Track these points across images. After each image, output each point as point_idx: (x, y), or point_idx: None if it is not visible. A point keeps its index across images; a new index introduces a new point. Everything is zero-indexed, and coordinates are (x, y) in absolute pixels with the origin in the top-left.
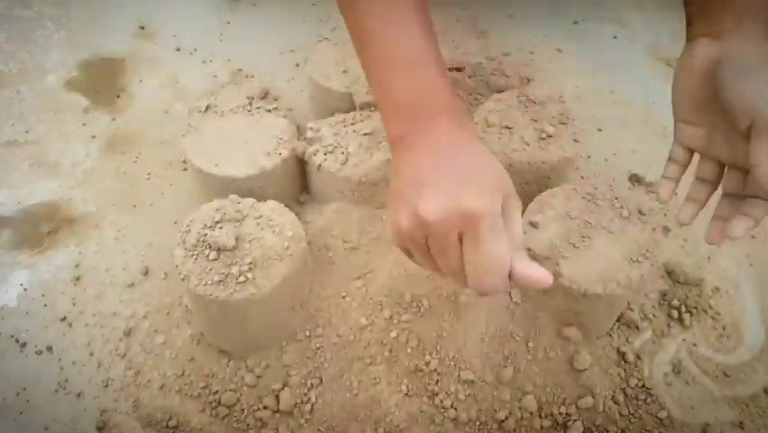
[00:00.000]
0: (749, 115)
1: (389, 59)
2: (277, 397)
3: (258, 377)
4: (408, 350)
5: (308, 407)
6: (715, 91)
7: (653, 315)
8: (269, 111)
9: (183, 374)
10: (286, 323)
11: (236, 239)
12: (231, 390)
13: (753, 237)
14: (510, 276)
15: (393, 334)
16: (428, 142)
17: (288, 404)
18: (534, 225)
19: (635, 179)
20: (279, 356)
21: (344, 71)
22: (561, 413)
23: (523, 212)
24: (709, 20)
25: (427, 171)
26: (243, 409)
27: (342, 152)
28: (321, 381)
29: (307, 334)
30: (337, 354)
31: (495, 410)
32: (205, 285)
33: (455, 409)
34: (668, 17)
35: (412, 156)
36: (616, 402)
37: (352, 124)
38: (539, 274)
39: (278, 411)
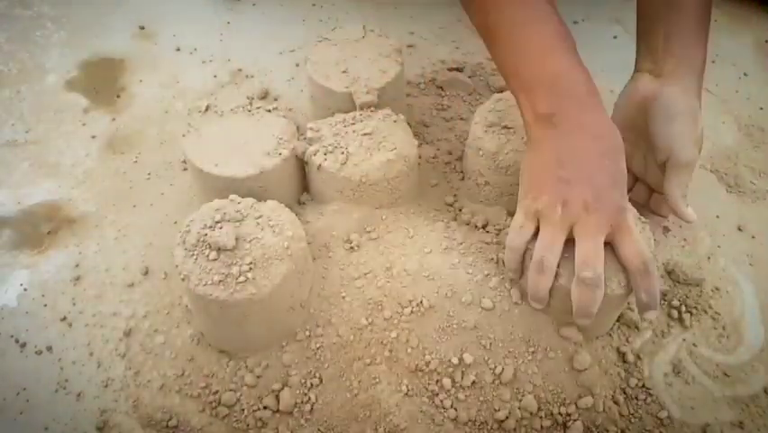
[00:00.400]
0: (666, 152)
1: (530, 44)
2: (277, 397)
3: (258, 377)
4: (408, 350)
5: (308, 407)
6: (645, 121)
7: None
8: (269, 111)
9: (183, 374)
10: (286, 323)
11: (236, 239)
12: (231, 390)
13: (753, 237)
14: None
15: (393, 334)
16: (585, 123)
17: (287, 404)
18: None
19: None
20: (279, 356)
21: (344, 71)
22: (561, 413)
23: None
24: (654, 59)
25: (589, 161)
26: (243, 409)
27: (342, 152)
28: (321, 381)
29: (307, 334)
30: (337, 354)
31: (495, 410)
32: (205, 285)
33: (455, 409)
34: None
35: (567, 137)
36: (616, 402)
37: (352, 124)
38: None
39: (277, 411)
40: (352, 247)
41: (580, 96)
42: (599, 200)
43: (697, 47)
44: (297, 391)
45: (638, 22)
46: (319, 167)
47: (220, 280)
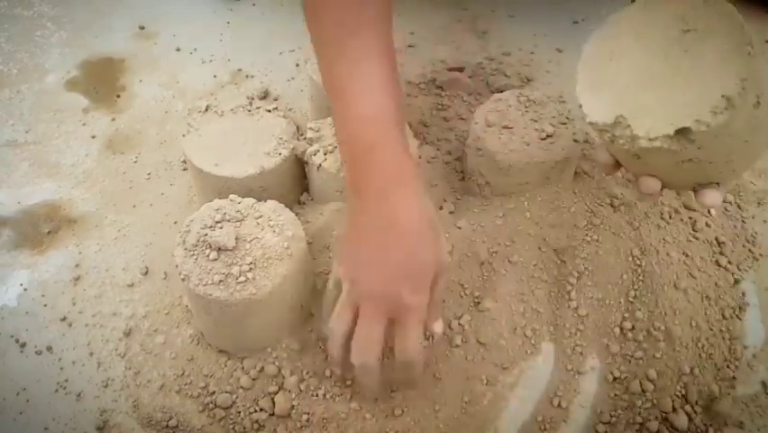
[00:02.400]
0: None
1: (351, 112)
2: (273, 399)
3: (256, 378)
4: None
5: (307, 409)
6: None
7: None
8: (269, 111)
9: (183, 374)
10: (286, 323)
11: (236, 239)
12: (229, 391)
13: (753, 236)
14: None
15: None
16: (387, 208)
17: (285, 406)
18: None
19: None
20: (279, 357)
21: None
22: None
23: None
24: None
25: (384, 249)
26: (240, 412)
27: None
28: (321, 382)
29: (308, 334)
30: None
31: None
32: (205, 285)
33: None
34: None
35: (370, 217)
36: None
37: None
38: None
39: (274, 414)
40: None
41: (388, 176)
42: (384, 292)
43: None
44: (296, 394)
45: None
46: (319, 167)
47: (220, 280)
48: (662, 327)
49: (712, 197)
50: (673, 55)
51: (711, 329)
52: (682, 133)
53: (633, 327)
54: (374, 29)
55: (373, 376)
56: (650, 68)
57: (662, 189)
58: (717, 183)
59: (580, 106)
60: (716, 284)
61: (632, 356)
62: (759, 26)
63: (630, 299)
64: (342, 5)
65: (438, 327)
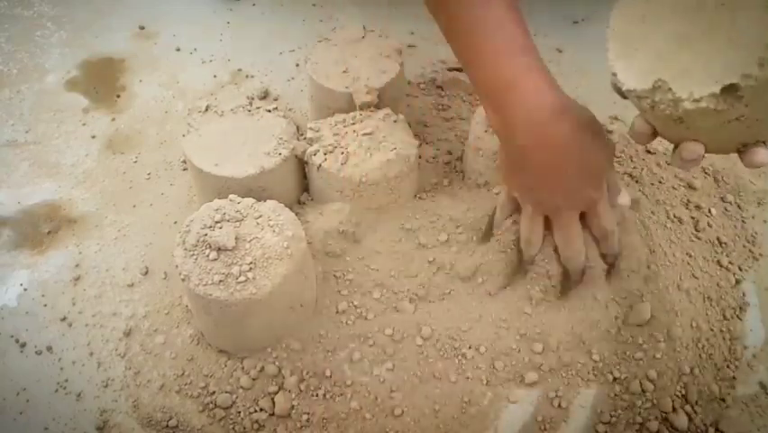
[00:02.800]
0: None
1: (485, 50)
2: (273, 399)
3: (256, 378)
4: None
5: (307, 409)
6: None
7: None
8: (269, 111)
9: (183, 374)
10: (286, 323)
11: (236, 239)
12: (229, 391)
13: (753, 236)
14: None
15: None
16: (539, 134)
17: (285, 406)
18: None
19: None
20: (279, 357)
21: (344, 71)
22: None
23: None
24: None
25: (552, 169)
26: (240, 412)
27: (342, 152)
28: (321, 382)
29: (308, 334)
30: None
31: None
32: (205, 285)
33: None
34: None
35: (524, 147)
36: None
37: (352, 124)
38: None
39: (274, 414)
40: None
41: (535, 109)
42: (568, 199)
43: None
44: (296, 394)
45: None
46: (319, 167)
47: (220, 280)
48: (664, 328)
49: (761, 155)
50: (709, 10)
51: (712, 330)
52: (729, 90)
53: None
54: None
55: (582, 268)
56: (686, 26)
57: (704, 154)
58: (764, 141)
59: (614, 75)
60: (717, 285)
61: (632, 356)
62: None
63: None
64: None
65: (623, 198)
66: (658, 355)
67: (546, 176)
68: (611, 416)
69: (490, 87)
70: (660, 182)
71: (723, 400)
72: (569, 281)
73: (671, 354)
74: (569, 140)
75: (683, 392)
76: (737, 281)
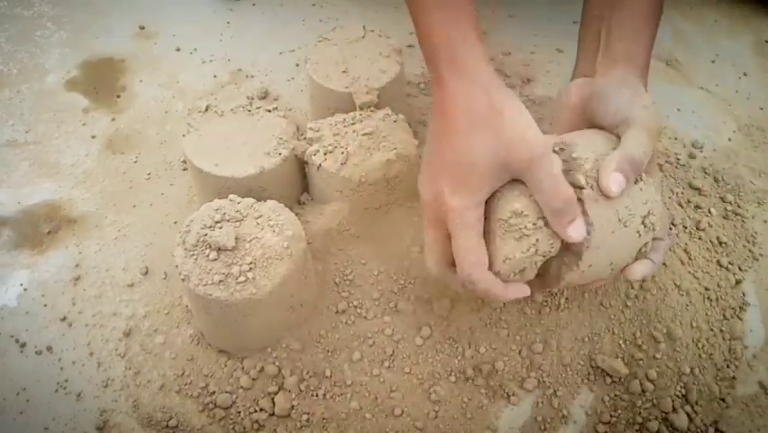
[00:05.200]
0: (615, 128)
1: (423, 18)
2: (273, 399)
3: (256, 378)
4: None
5: (307, 409)
6: (589, 122)
7: None
8: (269, 111)
9: (183, 374)
10: (286, 323)
11: (236, 239)
12: (229, 391)
13: (753, 236)
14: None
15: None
16: (437, 109)
17: (285, 406)
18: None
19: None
20: (279, 357)
21: (344, 71)
22: None
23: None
24: (591, 63)
25: (430, 151)
26: (240, 412)
27: (342, 152)
28: (321, 382)
29: (308, 334)
30: (338, 355)
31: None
32: (205, 285)
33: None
34: (668, 17)
35: (432, 121)
36: None
37: (352, 124)
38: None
39: (274, 414)
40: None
41: (445, 64)
42: (428, 190)
43: (639, 43)
44: (296, 394)
45: (580, 32)
46: (319, 167)
47: (220, 280)
48: (663, 329)
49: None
50: None
51: (712, 330)
52: None
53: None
54: None
55: (455, 284)
56: None
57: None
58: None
59: None
60: (717, 285)
61: (632, 357)
62: (759, 26)
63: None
64: None
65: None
66: (658, 355)
67: (427, 157)
68: (611, 416)
69: (424, 45)
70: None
71: (723, 400)
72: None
73: (671, 355)
74: (458, 108)
75: (683, 392)
76: (737, 282)
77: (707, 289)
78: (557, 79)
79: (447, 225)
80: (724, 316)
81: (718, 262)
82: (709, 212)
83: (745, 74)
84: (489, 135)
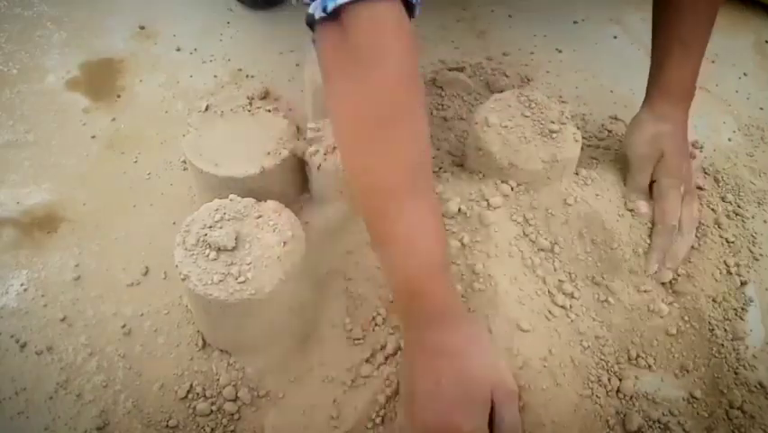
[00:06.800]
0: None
1: (399, 260)
2: (275, 398)
3: (257, 378)
4: None
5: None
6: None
7: None
8: (269, 111)
9: (183, 374)
10: (286, 323)
11: (236, 239)
12: (229, 391)
13: (753, 236)
14: None
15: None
16: (430, 345)
17: (287, 406)
18: None
19: None
20: (279, 357)
21: None
22: None
23: None
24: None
25: (429, 379)
26: (240, 412)
27: None
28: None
29: (308, 334)
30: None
31: None
32: (205, 285)
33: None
34: None
35: (418, 358)
36: None
37: None
38: None
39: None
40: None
41: (434, 314)
42: (438, 424)
43: (688, 78)
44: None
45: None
46: (319, 167)
47: (220, 280)
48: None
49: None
50: None
51: (712, 330)
52: None
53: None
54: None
55: None
56: None
57: None
58: None
59: None
60: (720, 285)
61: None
62: (759, 26)
63: None
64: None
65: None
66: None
67: (424, 387)
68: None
69: (399, 292)
70: None
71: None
72: None
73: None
74: (456, 346)
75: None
76: (742, 283)
77: (713, 291)
78: (557, 79)
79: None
80: (725, 316)
81: (726, 262)
82: (714, 212)
83: (745, 74)
84: (492, 362)
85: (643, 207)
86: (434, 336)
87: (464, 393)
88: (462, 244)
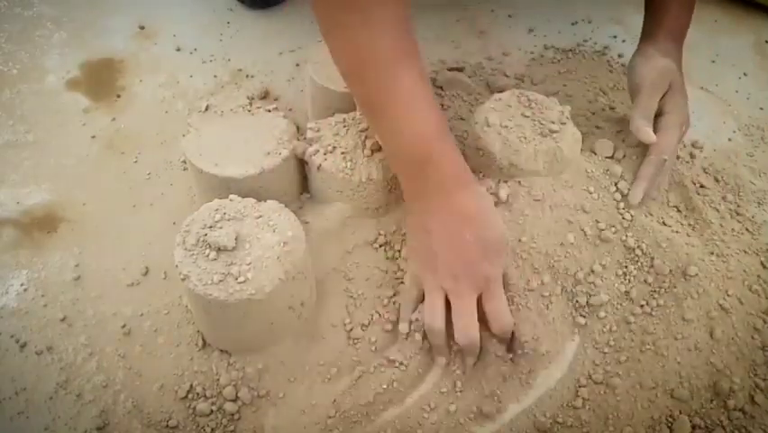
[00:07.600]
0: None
1: (402, 127)
2: (275, 398)
3: (257, 378)
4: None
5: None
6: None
7: None
8: (269, 111)
9: (183, 374)
10: (286, 323)
11: (236, 239)
12: (229, 391)
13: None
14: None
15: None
16: (451, 204)
17: (287, 406)
18: None
19: None
20: (280, 356)
21: None
22: None
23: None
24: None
25: (458, 237)
26: (240, 412)
27: (343, 152)
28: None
29: (308, 334)
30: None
31: None
32: (205, 285)
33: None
34: None
35: (437, 216)
36: None
37: (353, 124)
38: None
39: (275, 413)
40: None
41: (447, 179)
42: (467, 269)
43: (686, 18)
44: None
45: None
46: (319, 167)
47: (220, 280)
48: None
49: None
50: None
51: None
52: None
53: None
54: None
55: (477, 351)
56: None
57: None
58: None
59: None
60: (760, 297)
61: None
62: (759, 26)
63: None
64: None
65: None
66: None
67: (449, 242)
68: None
69: (407, 161)
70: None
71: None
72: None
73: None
74: (472, 209)
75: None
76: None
77: (749, 304)
78: (556, 79)
79: (488, 291)
80: (755, 327)
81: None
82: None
83: (745, 74)
84: (500, 222)
85: (653, 136)
86: (451, 199)
87: (489, 245)
88: None
